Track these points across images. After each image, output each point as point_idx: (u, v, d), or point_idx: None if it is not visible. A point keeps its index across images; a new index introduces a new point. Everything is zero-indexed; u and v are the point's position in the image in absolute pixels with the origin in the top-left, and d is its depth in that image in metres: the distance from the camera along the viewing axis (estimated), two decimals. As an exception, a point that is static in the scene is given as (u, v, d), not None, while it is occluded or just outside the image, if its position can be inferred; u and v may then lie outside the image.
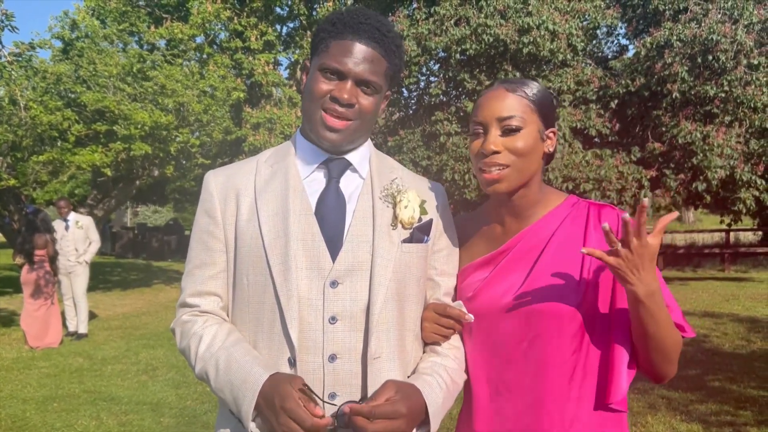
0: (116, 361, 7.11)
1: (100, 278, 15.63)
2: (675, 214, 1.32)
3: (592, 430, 1.37)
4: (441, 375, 1.38)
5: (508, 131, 1.40)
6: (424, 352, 1.47)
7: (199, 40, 14.31)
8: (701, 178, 11.41)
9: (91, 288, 9.97)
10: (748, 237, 21.08)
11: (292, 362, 1.29)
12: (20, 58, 10.80)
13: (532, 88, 1.44)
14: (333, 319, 1.32)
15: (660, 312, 1.29)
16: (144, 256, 24.71)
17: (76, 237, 8.40)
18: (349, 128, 1.36)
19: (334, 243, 1.35)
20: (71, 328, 8.54)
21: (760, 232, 19.91)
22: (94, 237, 8.63)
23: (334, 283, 1.32)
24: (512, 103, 1.40)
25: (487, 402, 1.45)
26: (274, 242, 1.33)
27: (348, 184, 1.42)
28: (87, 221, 8.66)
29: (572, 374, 1.37)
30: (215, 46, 15.10)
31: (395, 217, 1.40)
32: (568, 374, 1.37)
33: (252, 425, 1.23)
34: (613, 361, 1.37)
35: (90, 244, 8.57)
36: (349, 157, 1.43)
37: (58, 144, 11.52)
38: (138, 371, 6.65)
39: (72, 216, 8.50)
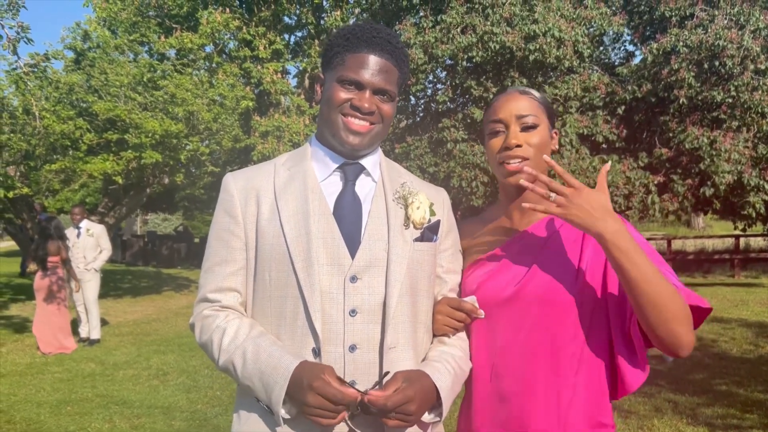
0: (128, 366, 7.20)
1: (111, 285, 15.76)
2: (607, 166, 1.43)
3: (587, 416, 1.44)
4: (449, 362, 1.47)
5: (526, 128, 1.54)
6: (431, 343, 1.56)
7: (209, 49, 14.45)
8: (709, 183, 11.40)
9: (102, 295, 10.07)
10: (759, 243, 20.94)
11: (317, 352, 1.38)
12: (36, 69, 10.96)
13: (539, 94, 1.61)
14: (353, 312, 1.40)
15: (635, 252, 1.31)
16: (154, 263, 24.83)
17: (86, 245, 8.51)
18: (371, 131, 1.46)
19: (352, 241, 1.44)
20: (83, 335, 8.64)
21: (770, 238, 19.78)
22: (105, 245, 8.73)
23: (353, 278, 1.41)
24: (527, 104, 1.56)
25: (487, 386, 1.54)
26: (296, 240, 1.41)
27: (362, 186, 1.52)
28: (99, 229, 8.77)
29: (569, 361, 1.46)
30: (224, 56, 15.25)
31: (407, 217, 1.50)
32: (565, 361, 1.46)
33: (282, 411, 1.31)
34: (616, 355, 1.45)
35: (101, 251, 8.67)
36: (363, 161, 1.53)
37: (70, 153, 11.66)
38: (149, 376, 6.74)
39: (84, 223, 8.61)
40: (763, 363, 6.69)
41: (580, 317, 1.45)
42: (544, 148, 1.56)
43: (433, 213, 1.54)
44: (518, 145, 1.52)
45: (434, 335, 1.57)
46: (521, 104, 1.55)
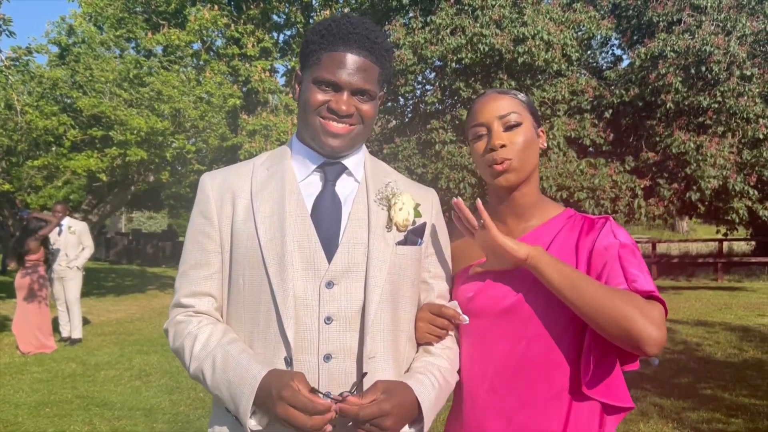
0: (109, 367, 7.09)
1: (94, 284, 15.58)
2: (479, 203, 1.46)
3: (589, 429, 1.40)
4: (434, 374, 1.40)
5: (510, 127, 1.48)
6: (417, 352, 1.50)
7: (196, 46, 14.34)
8: (694, 187, 11.48)
9: (85, 294, 9.94)
10: (742, 247, 21.17)
11: (289, 361, 1.31)
12: (17, 63, 10.80)
13: (519, 93, 1.56)
14: (328, 320, 1.33)
15: (559, 274, 1.34)
16: (138, 262, 24.65)
17: (68, 242, 8.38)
18: (351, 133, 1.39)
19: (329, 244, 1.37)
20: (64, 334, 8.51)
21: (753, 242, 20.01)
22: (87, 243, 8.60)
23: (329, 284, 1.34)
24: (508, 102, 1.50)
25: (483, 400, 1.47)
26: (270, 243, 1.35)
27: (344, 187, 1.45)
28: (81, 227, 8.64)
29: (570, 374, 1.41)
30: (212, 53, 15.13)
31: (390, 219, 1.43)
32: (566, 374, 1.41)
33: (250, 422, 1.25)
34: (588, 352, 1.40)
35: (83, 249, 8.54)
36: (345, 161, 1.46)
37: (54, 149, 11.53)
38: (131, 377, 6.64)
39: (66, 221, 8.48)
40: (748, 367, 6.72)
41: (580, 330, 1.41)
42: (531, 145, 1.49)
43: (418, 214, 1.47)
44: (503, 145, 1.46)
45: (418, 344, 1.50)
46: (502, 104, 1.49)
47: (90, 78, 11.22)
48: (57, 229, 8.39)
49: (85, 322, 9.60)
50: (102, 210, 14.02)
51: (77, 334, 8.44)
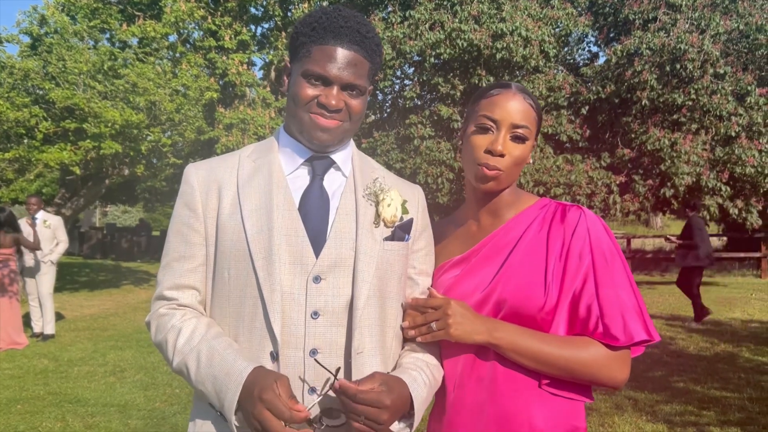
0: (83, 363, 6.98)
1: (68, 279, 15.34)
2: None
3: (554, 419, 1.41)
4: (425, 371, 1.41)
5: (516, 138, 1.46)
6: (402, 348, 1.50)
7: (172, 38, 14.13)
8: (669, 184, 11.66)
9: (58, 288, 9.78)
10: (714, 243, 21.57)
11: (275, 356, 1.30)
12: (-14, 53, 10.56)
13: (536, 100, 1.52)
14: (315, 314, 1.32)
15: (524, 339, 1.38)
16: (113, 256, 24.31)
17: (43, 236, 8.23)
18: (340, 128, 1.38)
19: (317, 239, 1.36)
20: (36, 329, 8.36)
21: (725, 238, 20.39)
22: (62, 237, 8.46)
23: (317, 279, 1.33)
24: (527, 113, 1.47)
25: (455, 395, 1.48)
26: (257, 236, 1.33)
27: (331, 181, 1.44)
28: (55, 221, 8.49)
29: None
30: (188, 45, 14.93)
31: (378, 215, 1.42)
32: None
33: (234, 418, 1.23)
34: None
35: (57, 243, 8.40)
36: (333, 155, 1.45)
37: (26, 141, 11.27)
38: (105, 373, 6.55)
39: (40, 215, 8.33)
40: (719, 360, 6.86)
41: (546, 323, 1.42)
42: (522, 162, 1.49)
43: (405, 211, 1.47)
44: (502, 154, 1.44)
45: (405, 340, 1.50)
46: (522, 112, 1.45)
47: (63, 69, 10.98)
48: (30, 222, 8.23)
49: (58, 317, 9.44)
50: (75, 204, 13.77)
51: (50, 329, 8.30)
